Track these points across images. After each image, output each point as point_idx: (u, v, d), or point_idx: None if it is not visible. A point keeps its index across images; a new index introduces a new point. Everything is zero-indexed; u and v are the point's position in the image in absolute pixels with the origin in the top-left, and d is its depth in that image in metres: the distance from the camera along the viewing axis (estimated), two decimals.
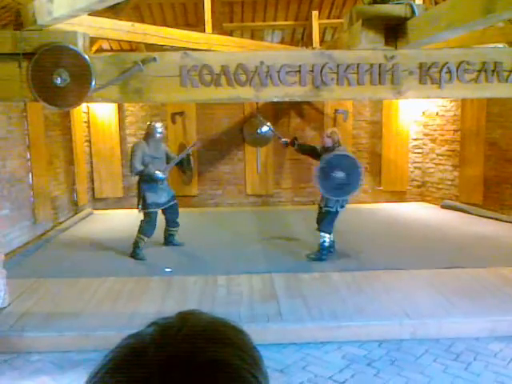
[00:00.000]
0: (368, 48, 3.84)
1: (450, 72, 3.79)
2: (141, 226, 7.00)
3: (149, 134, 7.01)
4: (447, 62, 3.78)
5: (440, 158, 10.25)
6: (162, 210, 7.17)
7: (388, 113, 10.53)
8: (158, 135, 6.99)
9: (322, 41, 9.17)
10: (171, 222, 7.42)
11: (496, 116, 9.02)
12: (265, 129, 10.06)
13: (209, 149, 10.48)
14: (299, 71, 3.84)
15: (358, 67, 3.80)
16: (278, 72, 3.85)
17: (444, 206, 9.98)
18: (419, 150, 10.63)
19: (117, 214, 9.96)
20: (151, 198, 6.93)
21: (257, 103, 9.83)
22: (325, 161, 6.36)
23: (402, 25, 3.71)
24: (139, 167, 6.80)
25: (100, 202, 10.40)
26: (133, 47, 9.17)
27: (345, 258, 6.81)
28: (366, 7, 3.87)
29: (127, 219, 9.52)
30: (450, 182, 10.06)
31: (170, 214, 7.32)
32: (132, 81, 4.01)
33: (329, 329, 4.80)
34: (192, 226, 8.91)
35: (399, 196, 10.70)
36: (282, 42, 9.85)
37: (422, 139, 10.57)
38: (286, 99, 4.02)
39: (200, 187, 10.59)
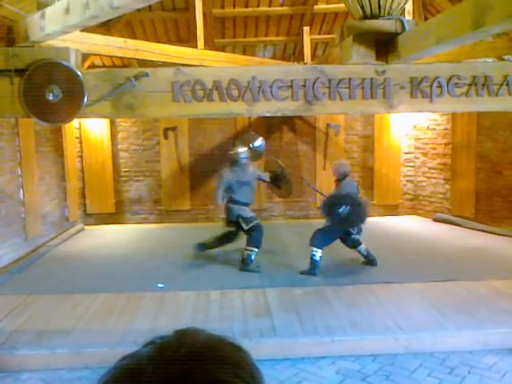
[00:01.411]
0: (359, 63, 3.86)
1: (440, 86, 3.82)
2: (250, 240, 7.03)
3: (233, 161, 7.18)
4: (438, 77, 3.81)
5: (432, 171, 10.31)
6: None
7: (380, 127, 10.60)
8: (242, 161, 7.15)
9: (313, 56, 9.25)
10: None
11: (486, 129, 9.11)
12: (257, 143, 10.07)
13: (201, 164, 10.49)
14: (291, 86, 3.86)
15: (349, 82, 3.82)
16: (270, 87, 3.86)
17: (436, 219, 10.01)
18: (411, 164, 10.69)
19: (108, 230, 9.91)
20: (248, 212, 7.12)
21: (249, 118, 9.86)
22: (327, 198, 6.60)
23: (392, 40, 3.74)
24: (221, 200, 7.09)
25: (92, 217, 10.35)
26: (125, 63, 9.20)
27: (338, 272, 6.80)
28: (356, 23, 3.91)
29: (119, 235, 9.49)
30: (441, 196, 10.12)
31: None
32: (124, 96, 4.01)
33: (323, 344, 4.77)
34: (184, 241, 8.87)
35: (392, 209, 10.73)
36: (273, 57, 9.93)
37: (413, 153, 10.64)
38: (279, 114, 4.03)
39: (192, 202, 10.57)
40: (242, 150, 7.28)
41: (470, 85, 3.83)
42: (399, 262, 7.18)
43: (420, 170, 10.55)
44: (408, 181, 10.74)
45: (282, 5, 8.72)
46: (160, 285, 6.32)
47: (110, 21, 6.73)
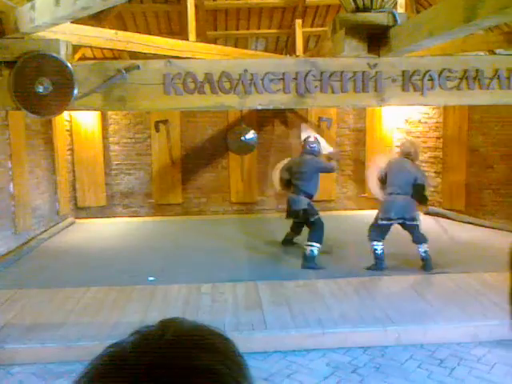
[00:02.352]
0: (351, 56, 3.86)
1: (432, 79, 3.82)
2: (312, 235, 6.91)
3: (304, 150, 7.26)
4: (429, 70, 3.81)
5: (423, 164, 10.32)
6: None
7: (371, 120, 10.61)
8: (312, 150, 7.18)
9: (305, 49, 9.22)
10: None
11: (477, 123, 9.14)
12: (249, 136, 10.07)
13: (193, 157, 10.46)
14: (283, 79, 3.84)
15: (341, 75, 3.82)
16: (262, 80, 3.85)
17: (427, 213, 10.05)
18: None
19: (100, 223, 9.88)
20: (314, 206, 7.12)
21: (241, 111, 9.84)
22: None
23: (384, 33, 3.73)
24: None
25: (83, 211, 10.30)
26: (116, 55, 9.14)
27: (329, 265, 6.82)
28: (348, 15, 3.89)
29: (110, 228, 9.46)
30: (433, 189, 10.15)
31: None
32: (115, 89, 3.98)
33: (313, 336, 4.80)
34: (176, 234, 8.88)
35: None
36: (265, 50, 9.89)
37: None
38: (270, 107, 4.02)
39: (184, 195, 10.55)
40: (312, 139, 7.25)
41: (461, 78, 3.84)
42: (390, 255, 7.20)
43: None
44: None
45: None
46: (151, 278, 6.32)
47: (100, 12, 6.68)
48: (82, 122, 10.08)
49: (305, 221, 7.11)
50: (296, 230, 7.63)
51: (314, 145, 7.17)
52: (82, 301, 5.54)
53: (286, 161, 7.48)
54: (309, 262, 6.74)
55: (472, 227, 8.88)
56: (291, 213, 7.23)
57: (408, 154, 6.71)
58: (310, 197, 7.10)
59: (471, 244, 7.77)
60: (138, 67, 3.91)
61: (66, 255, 7.57)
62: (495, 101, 4.02)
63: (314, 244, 6.79)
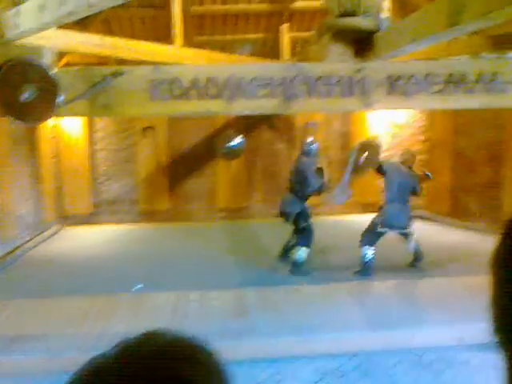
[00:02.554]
0: (337, 60, 3.88)
1: (416, 84, 3.85)
2: (301, 239, 6.82)
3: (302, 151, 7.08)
4: (414, 74, 3.84)
5: None
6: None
7: (357, 124, 10.66)
8: (311, 151, 7.00)
9: (292, 53, 9.25)
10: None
11: (463, 127, 9.22)
12: (236, 142, 10.05)
13: (179, 163, 10.42)
14: (270, 84, 3.85)
15: (327, 79, 3.83)
16: (249, 85, 3.85)
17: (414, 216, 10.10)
18: (393, 161, 10.76)
19: (86, 231, 9.80)
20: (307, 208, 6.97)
21: (228, 116, 9.83)
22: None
23: (370, 38, 3.76)
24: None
25: (69, 218, 10.21)
26: (102, 61, 9.08)
27: (317, 270, 6.81)
28: (334, 20, 3.92)
29: (96, 236, 9.39)
30: None
31: None
32: (101, 95, 3.96)
33: (301, 342, 4.77)
34: (163, 241, 8.83)
35: (371, 207, 10.77)
36: (252, 55, 9.90)
37: (390, 150, 10.71)
38: (257, 112, 4.02)
39: (171, 202, 10.50)
40: (310, 140, 7.10)
41: (445, 82, 3.87)
42: (377, 260, 7.22)
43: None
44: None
45: (261, 1, 8.69)
46: (138, 286, 6.26)
47: (86, 18, 6.63)
48: (67, 129, 10.00)
49: (294, 225, 6.94)
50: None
51: (310, 146, 7.03)
52: (67, 311, 5.47)
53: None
54: (297, 267, 6.70)
55: (457, 230, 8.93)
56: (281, 214, 7.05)
57: (407, 162, 6.80)
58: (305, 198, 6.95)
59: (456, 247, 7.81)
60: (123, 73, 3.89)
61: (52, 264, 7.49)
62: (479, 105, 4.06)
63: (302, 249, 6.74)
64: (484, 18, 2.38)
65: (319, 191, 6.88)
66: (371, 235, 6.60)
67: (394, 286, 6.11)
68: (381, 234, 6.59)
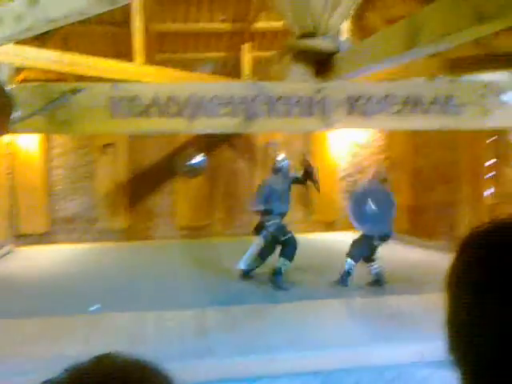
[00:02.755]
0: (298, 80, 3.92)
1: (376, 104, 3.92)
2: (283, 252, 6.86)
3: (273, 169, 7.19)
4: (373, 95, 3.92)
5: None
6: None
7: (318, 144, 10.79)
8: (281, 168, 7.12)
9: (253, 73, 9.32)
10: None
11: (421, 147, 9.45)
12: (197, 160, 10.01)
13: (139, 181, 10.29)
14: (230, 103, 3.85)
15: (288, 99, 3.86)
16: (210, 103, 3.84)
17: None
18: (350, 179, 10.93)
19: (41, 251, 9.50)
20: (282, 222, 7.02)
21: (189, 135, 9.79)
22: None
23: (330, 58, 3.82)
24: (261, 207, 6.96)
25: (22, 238, 9.89)
26: (61, 78, 8.93)
27: (275, 289, 6.79)
28: (295, 41, 3.97)
29: (52, 256, 9.12)
30: None
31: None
32: (59, 112, 3.88)
33: (262, 363, 4.72)
34: (121, 261, 8.66)
35: (331, 226, 10.89)
36: (214, 73, 9.93)
37: (350, 169, 10.88)
38: (218, 131, 4.02)
39: (130, 220, 10.33)
40: (281, 158, 7.24)
41: (403, 103, 3.96)
42: (337, 278, 7.26)
43: (358, 186, 10.79)
44: (346, 197, 10.95)
45: (223, 21, 8.76)
46: (95, 306, 6.10)
47: (45, 34, 6.53)
48: (23, 145, 9.75)
49: (274, 241, 7.02)
50: (261, 261, 7.28)
51: (281, 163, 7.19)
52: (20, 333, 5.27)
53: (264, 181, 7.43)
54: (276, 277, 6.76)
55: (415, 248, 9.09)
56: (258, 231, 7.17)
57: (384, 180, 7.01)
58: (282, 215, 7.07)
59: (415, 265, 7.94)
60: (82, 90, 3.83)
61: (2, 285, 7.20)
62: (434, 126, 4.17)
63: (284, 261, 6.81)
64: (440, 40, 2.46)
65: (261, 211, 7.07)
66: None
67: (355, 304, 6.14)
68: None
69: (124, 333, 5.30)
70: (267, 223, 7.02)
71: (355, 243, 6.94)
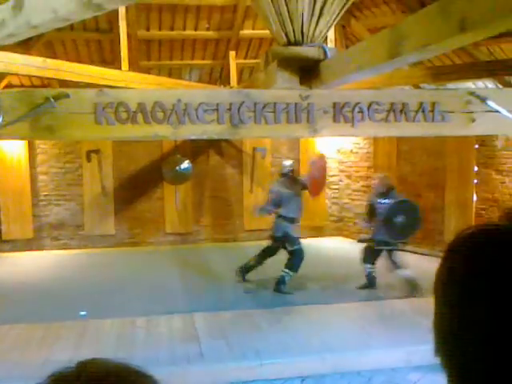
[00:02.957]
0: (284, 88, 3.93)
1: (361, 111, 3.94)
2: (289, 262, 6.92)
3: (282, 174, 7.26)
4: (359, 102, 3.94)
5: (356, 193, 10.63)
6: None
7: (305, 150, 10.82)
8: (289, 173, 7.20)
9: (239, 80, 9.34)
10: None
11: (405, 153, 9.54)
12: (183, 166, 10.01)
13: (126, 187, 10.25)
14: (217, 109, 3.85)
15: (274, 106, 3.87)
16: (196, 110, 3.84)
17: (360, 240, 10.27)
18: (336, 186, 10.97)
19: (26, 257, 9.42)
20: (294, 231, 7.08)
21: (175, 141, 9.78)
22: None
23: (315, 66, 3.84)
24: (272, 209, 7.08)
25: (7, 244, 9.79)
26: (45, 83, 8.88)
27: (266, 294, 6.80)
28: (281, 49, 3.98)
29: (38, 262, 9.04)
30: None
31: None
32: (43, 117, 3.84)
33: (251, 368, 4.73)
34: (108, 267, 8.61)
35: (318, 231, 10.92)
36: (199, 80, 9.93)
37: (338, 175, 10.93)
38: (204, 137, 4.01)
39: (117, 226, 10.27)
40: (288, 163, 7.34)
41: (388, 111, 3.99)
42: (326, 283, 7.29)
43: (344, 193, 10.85)
44: (333, 203, 11.00)
45: (208, 29, 8.77)
46: (82, 312, 6.06)
47: (29, 40, 6.50)
48: (7, 152, 9.66)
49: (283, 247, 7.08)
50: (260, 258, 7.29)
51: (286, 168, 7.28)
52: (7, 339, 5.22)
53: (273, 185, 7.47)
54: (279, 286, 6.85)
55: (403, 254, 9.12)
56: (273, 237, 7.21)
57: (391, 188, 7.08)
58: (292, 221, 7.09)
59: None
60: (67, 95, 3.80)
61: None
62: (420, 132, 4.21)
63: (289, 272, 6.89)
64: (423, 50, 2.48)
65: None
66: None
67: (344, 309, 6.16)
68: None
69: (113, 338, 5.27)
70: (274, 226, 7.12)
71: (367, 251, 7.08)
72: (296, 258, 6.94)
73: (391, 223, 6.62)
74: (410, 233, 6.82)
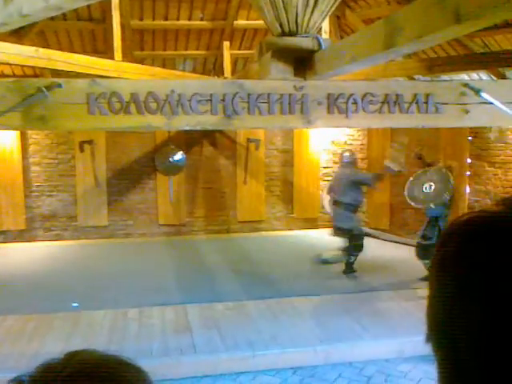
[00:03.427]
0: (278, 78, 3.92)
1: (355, 103, 3.94)
2: (356, 246, 7.20)
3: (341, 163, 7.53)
4: (353, 94, 3.93)
5: None
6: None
7: (299, 141, 10.81)
8: (346, 163, 7.40)
9: (233, 70, 9.30)
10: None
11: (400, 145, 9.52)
12: (177, 157, 9.98)
13: (119, 178, 10.21)
14: (210, 100, 3.83)
15: (268, 97, 3.86)
16: (189, 100, 3.82)
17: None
18: (330, 178, 10.96)
19: (19, 248, 9.38)
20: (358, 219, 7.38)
21: (168, 132, 9.74)
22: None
23: (310, 57, 3.82)
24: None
25: (1, 235, 9.75)
26: (37, 73, 8.81)
27: (259, 285, 6.81)
28: (275, 39, 3.96)
29: (30, 253, 9.01)
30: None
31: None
32: (36, 108, 3.81)
33: (244, 359, 4.75)
34: (101, 258, 8.59)
35: (311, 223, 10.93)
36: (193, 71, 9.88)
37: (331, 167, 10.92)
38: (198, 128, 4.00)
39: (110, 218, 10.24)
40: (348, 153, 7.56)
41: (382, 102, 3.98)
42: (318, 275, 7.31)
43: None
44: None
45: (202, 19, 8.71)
46: (75, 304, 6.05)
47: (21, 29, 6.43)
48: None
49: (350, 239, 7.22)
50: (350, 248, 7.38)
51: (346, 159, 7.45)
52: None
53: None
54: (350, 269, 7.18)
55: (395, 245, 9.18)
56: (336, 229, 7.37)
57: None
58: (355, 208, 7.27)
59: (395, 262, 8.02)
60: (59, 85, 3.77)
61: None
62: (414, 124, 4.21)
63: (355, 253, 7.19)
64: (418, 41, 2.47)
65: (374, 182, 7.40)
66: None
67: (337, 301, 6.18)
68: None
69: (105, 330, 5.27)
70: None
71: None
72: (360, 240, 7.22)
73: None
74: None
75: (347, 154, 7.62)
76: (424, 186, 6.69)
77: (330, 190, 7.49)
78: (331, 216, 7.51)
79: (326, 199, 7.61)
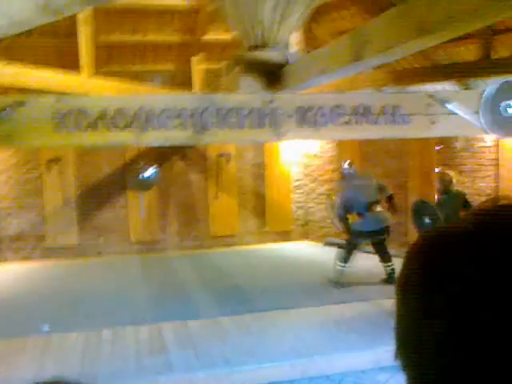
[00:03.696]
0: (247, 92, 3.92)
1: (324, 115, 3.97)
2: (388, 255, 7.25)
3: (342, 177, 7.55)
4: (322, 106, 3.96)
5: (321, 197, 10.69)
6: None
7: (270, 155, 10.84)
8: (347, 174, 7.41)
9: (202, 85, 9.30)
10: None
11: (370, 155, 9.65)
12: (148, 173, 9.89)
13: (89, 196, 10.05)
14: (180, 115, 3.81)
15: (238, 111, 3.86)
16: (159, 116, 3.79)
17: (327, 244, 10.35)
18: (301, 190, 11.02)
19: None
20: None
21: (138, 148, 9.66)
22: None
23: (279, 70, 3.85)
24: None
25: None
26: (2, 91, 8.64)
27: (234, 301, 6.75)
28: (244, 53, 3.98)
29: None
30: (331, 220, 10.49)
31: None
32: (1, 125, 3.73)
33: (221, 376, 4.68)
34: (72, 278, 8.41)
35: (284, 236, 10.94)
36: (162, 86, 9.84)
37: (303, 179, 10.98)
38: (167, 143, 3.97)
39: (80, 236, 10.05)
40: (347, 164, 7.51)
41: (351, 114, 4.02)
42: (293, 288, 7.29)
43: (310, 197, 10.90)
44: (298, 207, 11.04)
45: (171, 32, 8.70)
46: (44, 327, 5.88)
47: None
48: None
49: (383, 239, 7.23)
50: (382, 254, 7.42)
51: (352, 170, 7.49)
52: None
53: (333, 198, 7.67)
54: (393, 278, 6.97)
55: (369, 256, 9.22)
56: (370, 234, 7.27)
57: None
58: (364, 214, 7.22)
59: (369, 272, 8.05)
60: (22, 104, 3.69)
61: None
62: (382, 135, 4.26)
63: (392, 262, 7.19)
64: (385, 53, 2.51)
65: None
66: None
67: (312, 313, 6.16)
68: None
69: (78, 352, 5.14)
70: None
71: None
72: (387, 248, 7.28)
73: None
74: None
75: (347, 166, 7.58)
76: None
77: (349, 209, 7.23)
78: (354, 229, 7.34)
79: (337, 218, 7.48)
